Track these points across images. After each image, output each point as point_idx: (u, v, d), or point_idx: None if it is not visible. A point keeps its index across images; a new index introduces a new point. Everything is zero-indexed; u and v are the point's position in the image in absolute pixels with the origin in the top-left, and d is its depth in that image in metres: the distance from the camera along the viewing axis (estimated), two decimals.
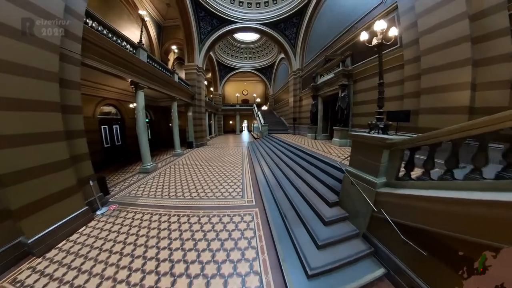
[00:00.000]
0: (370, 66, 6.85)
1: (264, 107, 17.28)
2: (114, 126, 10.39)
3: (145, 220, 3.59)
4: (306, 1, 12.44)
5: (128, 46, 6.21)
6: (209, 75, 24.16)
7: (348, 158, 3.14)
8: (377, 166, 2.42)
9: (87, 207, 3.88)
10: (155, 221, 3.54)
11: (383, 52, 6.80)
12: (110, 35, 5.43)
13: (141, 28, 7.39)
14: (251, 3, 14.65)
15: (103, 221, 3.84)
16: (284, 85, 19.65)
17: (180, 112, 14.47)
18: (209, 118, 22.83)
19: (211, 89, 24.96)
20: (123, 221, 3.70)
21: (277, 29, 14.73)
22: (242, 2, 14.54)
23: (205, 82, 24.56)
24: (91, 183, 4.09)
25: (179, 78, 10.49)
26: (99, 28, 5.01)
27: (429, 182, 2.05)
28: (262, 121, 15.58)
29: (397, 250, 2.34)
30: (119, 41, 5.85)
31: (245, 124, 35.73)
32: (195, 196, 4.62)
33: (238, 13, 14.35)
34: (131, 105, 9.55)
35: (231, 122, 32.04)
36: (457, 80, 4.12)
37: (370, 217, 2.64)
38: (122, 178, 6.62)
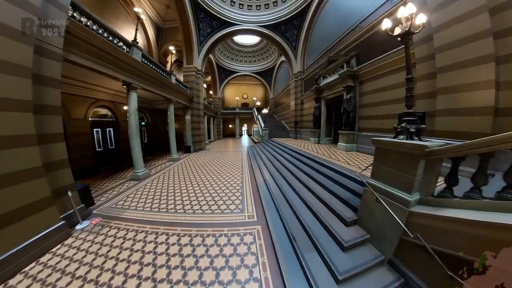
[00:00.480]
0: (377, 66, 6.50)
1: (265, 110, 16.89)
2: (107, 129, 9.92)
3: (129, 239, 3.09)
4: (307, 3, 12.27)
5: (120, 44, 5.83)
6: (209, 78, 23.92)
7: (369, 168, 2.68)
8: (410, 180, 1.97)
9: (63, 221, 3.36)
10: (139, 240, 3.03)
11: (390, 52, 6.53)
12: (100, 31, 5.05)
13: (136, 26, 7.04)
14: (251, 5, 14.50)
15: (82, 238, 3.32)
16: (284, 88, 19.39)
17: (177, 115, 14.06)
18: (208, 121, 22.44)
19: (211, 92, 24.69)
20: (103, 239, 3.19)
21: (278, 31, 14.54)
22: (242, 4, 14.39)
23: (204, 85, 24.36)
24: (69, 193, 3.59)
25: (177, 80, 10.11)
26: (88, 23, 4.63)
27: (485, 202, 1.59)
28: (263, 125, 15.18)
29: (437, 285, 1.86)
30: (111, 38, 5.47)
31: (245, 128, 35.35)
32: (188, 210, 4.11)
33: (238, 15, 14.16)
34: (125, 107, 9.11)
35: (230, 126, 31.65)
36: (478, 79, 3.73)
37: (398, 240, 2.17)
38: (111, 185, 6.11)
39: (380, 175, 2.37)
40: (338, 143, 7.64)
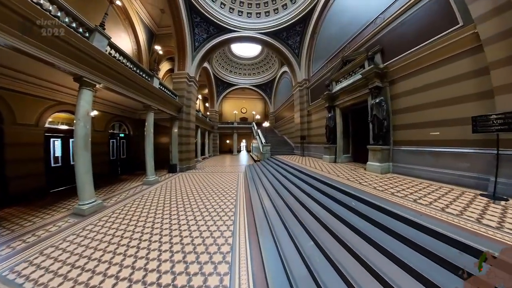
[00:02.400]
0: (416, 59, 4.98)
1: (266, 123, 15.21)
2: (71, 140, 8.05)
3: None
4: (310, 8, 11.48)
5: (76, 26, 4.29)
6: (206, 90, 22.94)
7: None
8: None
9: None
10: None
11: (435, 38, 4.97)
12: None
13: (106, 10, 5.62)
14: (251, 13, 13.84)
15: None
16: (286, 100, 18.13)
17: (164, 128, 12.36)
18: (203, 136, 20.76)
19: (207, 104, 23.49)
20: None
21: (279, 39, 13.66)
22: (242, 12, 13.72)
23: (200, 97, 23.15)
24: None
25: (162, 84, 8.58)
26: None
27: None
28: (263, 140, 13.39)
29: None
30: (59, 14, 3.94)
31: (243, 143, 33.64)
32: (136, 282, 2.07)
33: (237, 22, 13.39)
34: (91, 113, 7.34)
35: (228, 141, 29.98)
36: None
37: None
38: (38, 223, 4.03)
39: None
40: (369, 163, 5.72)
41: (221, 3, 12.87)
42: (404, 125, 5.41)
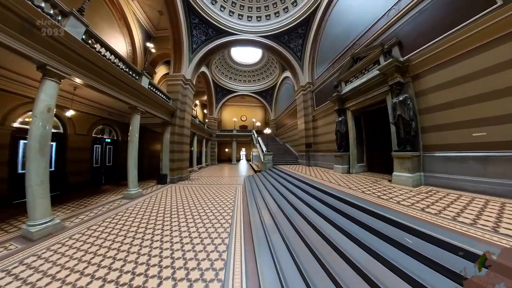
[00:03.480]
0: (445, 48, 4.29)
1: (267, 130, 14.34)
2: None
3: None
4: (313, 9, 11.13)
5: (45, 6, 3.57)
6: (205, 97, 22.47)
7: None
8: None
9: None
10: None
11: (464, 23, 4.21)
12: None
13: None
14: (251, 16, 13.57)
15: None
16: (288, 106, 17.48)
17: (158, 134, 11.52)
18: (200, 144, 19.89)
19: (205, 111, 22.88)
20: None
21: (281, 42, 13.27)
22: (242, 15, 13.46)
23: (197, 102, 22.63)
24: None
25: (152, 84, 7.85)
26: None
27: None
28: (264, 149, 12.46)
29: None
30: None
31: (243, 152, 32.68)
32: None
33: (237, 25, 13.06)
34: (67, 113, 6.54)
35: (227, 150, 29.06)
36: None
37: None
38: None
39: None
40: (395, 174, 4.76)
41: (221, 6, 12.62)
42: (435, 126, 4.55)
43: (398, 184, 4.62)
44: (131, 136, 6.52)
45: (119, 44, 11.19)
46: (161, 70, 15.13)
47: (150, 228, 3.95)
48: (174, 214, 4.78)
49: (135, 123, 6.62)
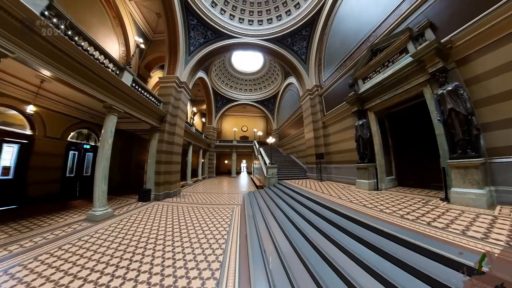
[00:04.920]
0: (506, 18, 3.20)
1: (271, 139, 13.02)
2: (7, 145, 6.08)
3: None
4: (318, 8, 10.58)
5: None
6: (204, 106, 21.77)
7: None
8: None
9: None
10: None
11: None
12: None
13: None
14: (252, 20, 13.14)
15: None
16: (293, 113, 16.51)
17: (144, 141, 10.41)
18: (196, 155, 18.68)
19: (203, 119, 22.04)
20: None
21: (283, 45, 12.66)
22: (243, 19, 13.04)
23: (194, 109, 21.79)
24: None
25: (137, 82, 6.89)
26: None
27: None
28: (268, 161, 11.09)
29: None
30: None
31: (243, 164, 31.30)
32: None
33: (238, 28, 12.57)
34: (28, 109, 5.49)
35: (226, 161, 27.78)
36: None
37: None
38: None
39: None
40: (456, 190, 3.43)
41: (221, 9, 12.24)
42: (501, 122, 3.35)
43: (462, 205, 3.30)
44: (102, 142, 5.35)
45: (111, 43, 10.55)
46: (157, 75, 14.48)
47: (108, 271, 2.61)
48: (139, 253, 3.35)
49: (109, 125, 5.47)
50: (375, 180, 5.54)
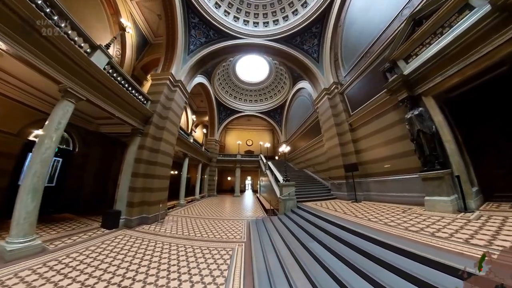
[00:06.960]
0: None
1: (284, 147, 10.64)
2: None
3: None
4: (327, 3, 9.76)
5: None
6: (206, 118, 20.73)
7: None
8: None
9: None
10: None
11: None
12: None
13: None
14: (257, 22, 12.55)
15: None
16: (303, 123, 14.96)
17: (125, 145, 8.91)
18: (193, 169, 16.97)
19: (204, 130, 20.79)
20: None
21: (292, 45, 11.79)
22: (248, 21, 12.46)
23: (194, 117, 20.50)
24: None
25: (113, 66, 5.57)
26: None
27: None
28: (281, 178, 8.52)
29: None
30: None
31: (248, 181, 29.11)
32: None
33: (242, 29, 11.91)
34: None
35: (229, 178, 25.81)
36: None
37: None
38: None
39: None
40: None
41: (225, 11, 11.72)
42: None
43: None
44: (42, 137, 3.79)
45: (105, 39, 9.74)
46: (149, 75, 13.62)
47: None
48: None
49: (58, 114, 3.98)
50: (459, 195, 3.59)
